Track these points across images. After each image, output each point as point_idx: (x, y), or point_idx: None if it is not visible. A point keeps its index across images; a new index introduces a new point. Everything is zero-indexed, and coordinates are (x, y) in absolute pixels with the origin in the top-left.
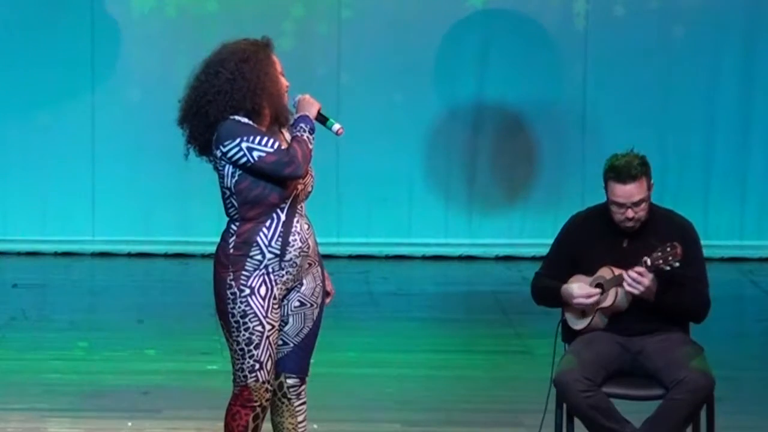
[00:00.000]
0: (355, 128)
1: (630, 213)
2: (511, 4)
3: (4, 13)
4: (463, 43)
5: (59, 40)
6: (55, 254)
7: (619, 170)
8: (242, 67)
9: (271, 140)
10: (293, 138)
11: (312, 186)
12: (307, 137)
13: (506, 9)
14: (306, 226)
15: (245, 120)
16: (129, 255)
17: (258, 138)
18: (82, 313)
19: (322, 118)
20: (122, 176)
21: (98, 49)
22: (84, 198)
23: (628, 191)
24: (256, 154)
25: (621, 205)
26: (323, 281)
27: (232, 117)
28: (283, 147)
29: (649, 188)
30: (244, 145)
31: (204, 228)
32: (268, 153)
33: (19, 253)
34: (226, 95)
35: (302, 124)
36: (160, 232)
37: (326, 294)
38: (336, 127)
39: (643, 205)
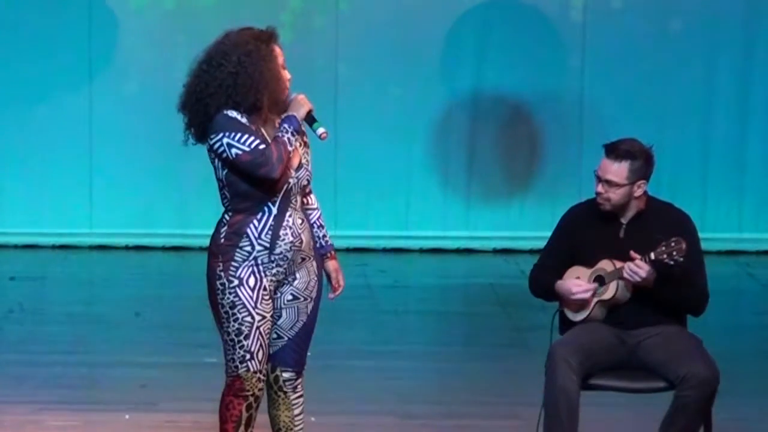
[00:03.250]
0: (353, 120)
1: (600, 188)
2: None
3: (2, 5)
4: (462, 35)
5: (57, 32)
6: (53, 247)
7: (610, 144)
8: (245, 61)
9: (251, 138)
10: (274, 138)
11: (307, 180)
12: (288, 138)
13: (505, 0)
14: (300, 221)
15: (233, 114)
16: (127, 248)
17: (239, 135)
18: (79, 306)
19: (310, 120)
20: (120, 169)
21: (96, 41)
22: (82, 190)
23: (605, 165)
24: (234, 150)
25: (597, 177)
26: (320, 275)
27: (224, 112)
28: (261, 147)
29: (629, 181)
30: (225, 140)
31: (202, 221)
32: (244, 152)
33: (16, 246)
34: (229, 89)
35: (286, 125)
36: (158, 225)
37: (332, 289)
38: (320, 131)
39: (614, 190)
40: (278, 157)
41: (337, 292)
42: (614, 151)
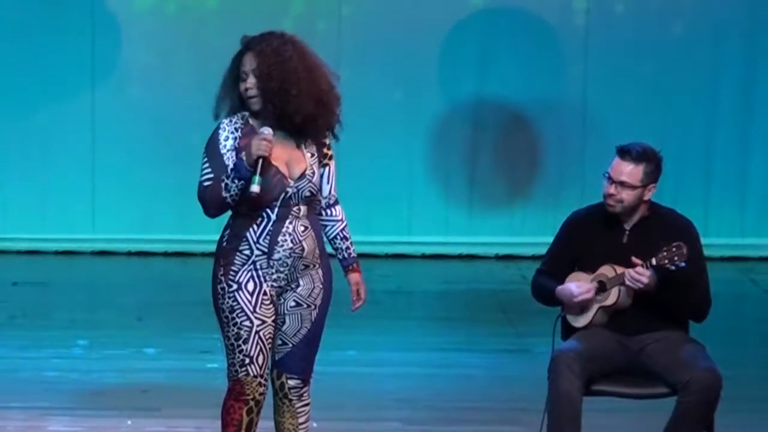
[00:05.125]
0: (355, 126)
1: (611, 189)
2: (512, 1)
3: (4, 10)
4: (464, 40)
5: (59, 37)
6: (56, 253)
7: (623, 146)
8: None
9: (207, 170)
10: (218, 180)
11: (310, 191)
12: (225, 184)
13: (507, 6)
14: (302, 228)
15: (220, 130)
16: (129, 253)
17: (205, 162)
18: (82, 312)
19: (255, 168)
20: (122, 174)
21: (98, 46)
22: (84, 196)
23: (619, 166)
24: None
25: (608, 178)
26: (326, 284)
27: (218, 123)
28: (206, 183)
29: (643, 183)
30: (202, 161)
31: (203, 226)
32: (199, 182)
33: (19, 252)
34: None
35: (230, 170)
36: (160, 231)
37: (353, 302)
38: (254, 187)
39: (628, 192)
40: (210, 199)
41: (357, 305)
42: (630, 152)
